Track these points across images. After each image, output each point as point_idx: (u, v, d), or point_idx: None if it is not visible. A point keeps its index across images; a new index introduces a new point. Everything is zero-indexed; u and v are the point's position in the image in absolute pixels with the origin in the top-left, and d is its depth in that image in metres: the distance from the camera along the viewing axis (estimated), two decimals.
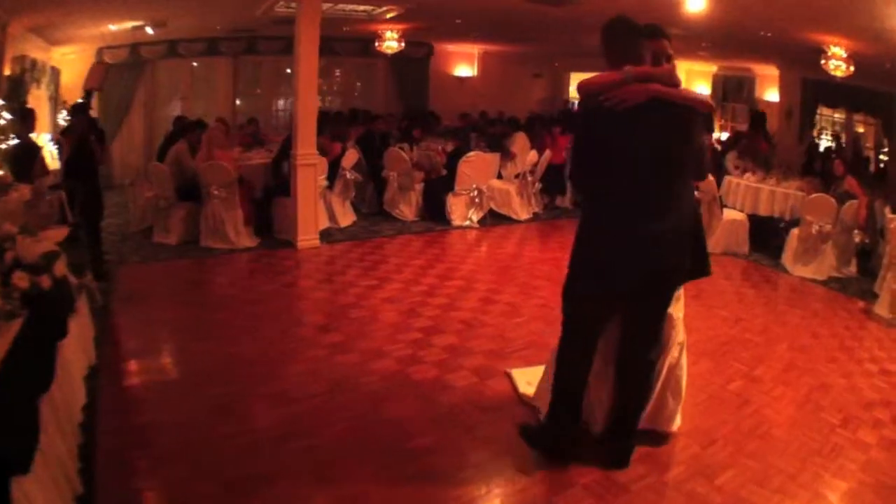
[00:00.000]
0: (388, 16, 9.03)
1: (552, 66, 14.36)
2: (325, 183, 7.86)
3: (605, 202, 2.91)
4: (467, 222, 8.40)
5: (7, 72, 6.33)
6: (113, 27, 8.05)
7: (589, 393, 3.18)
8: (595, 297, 2.97)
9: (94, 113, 9.35)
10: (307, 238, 7.21)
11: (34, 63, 7.58)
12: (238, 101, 12.10)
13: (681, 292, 3.20)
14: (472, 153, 8.24)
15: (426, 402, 3.74)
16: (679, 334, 3.20)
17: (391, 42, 10.32)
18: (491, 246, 7.81)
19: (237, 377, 4.04)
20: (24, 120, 5.59)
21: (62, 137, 5.28)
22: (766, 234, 7.31)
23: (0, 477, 1.95)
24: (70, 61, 8.51)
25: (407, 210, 8.84)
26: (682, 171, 2.89)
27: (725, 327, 4.99)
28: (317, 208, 7.33)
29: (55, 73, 9.02)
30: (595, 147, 2.88)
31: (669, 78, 2.82)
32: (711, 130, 10.20)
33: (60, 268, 2.94)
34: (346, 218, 8.54)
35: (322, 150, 7.74)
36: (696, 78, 12.00)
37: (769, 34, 7.31)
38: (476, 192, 8.40)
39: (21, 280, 2.69)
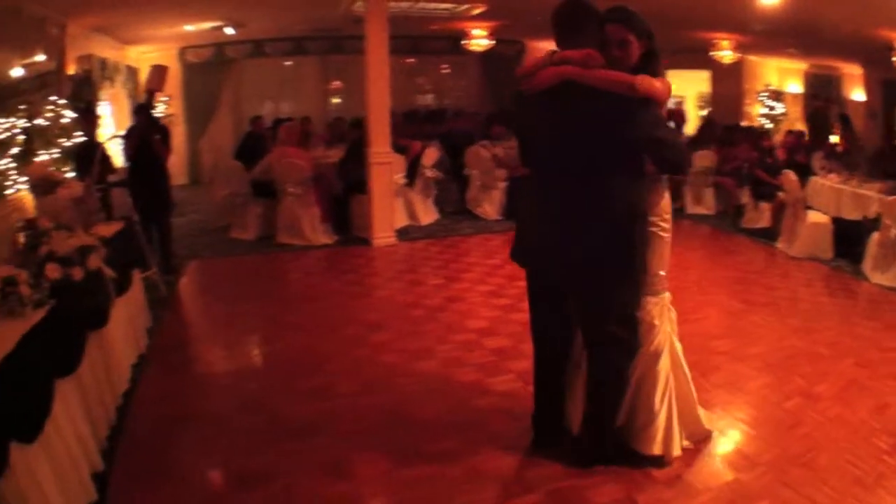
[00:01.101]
0: (474, 12, 9.13)
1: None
2: (403, 181, 8.04)
3: (530, 186, 2.95)
4: None
5: (71, 71, 6.91)
6: (190, 27, 8.62)
7: (572, 394, 3.19)
8: (526, 271, 3.11)
9: (170, 111, 10.13)
10: (382, 236, 7.43)
11: (104, 62, 8.25)
12: (337, 100, 12.57)
13: (666, 301, 3.07)
14: None
15: (458, 405, 3.76)
16: (656, 344, 3.02)
17: (480, 39, 10.44)
18: None
19: (277, 373, 4.26)
20: (86, 119, 6.12)
21: (123, 138, 5.70)
22: (850, 239, 6.82)
23: (3, 438, 2.18)
24: (150, 60, 9.19)
25: (490, 209, 8.90)
26: (603, 164, 2.70)
27: (794, 338, 4.70)
28: (393, 206, 7.53)
29: (132, 71, 9.80)
30: (518, 133, 2.98)
31: (586, 60, 2.61)
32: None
33: (95, 261, 3.22)
34: (428, 216, 8.71)
35: (401, 149, 7.94)
36: (788, 75, 11.62)
37: (844, 30, 7.12)
38: None
39: (53, 271, 2.99)
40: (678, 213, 9.02)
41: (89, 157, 4.97)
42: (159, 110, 10.32)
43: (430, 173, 8.55)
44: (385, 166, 7.29)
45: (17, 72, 5.16)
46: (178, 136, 11.19)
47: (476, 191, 8.93)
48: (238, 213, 7.97)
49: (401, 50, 12.24)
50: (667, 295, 3.07)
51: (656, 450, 3.00)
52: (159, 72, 6.52)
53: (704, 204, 9.13)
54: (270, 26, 9.89)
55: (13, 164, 4.62)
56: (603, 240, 2.75)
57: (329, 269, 6.85)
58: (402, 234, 7.81)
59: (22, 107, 4.95)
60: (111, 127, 8.44)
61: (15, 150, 4.71)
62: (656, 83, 2.65)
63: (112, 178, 5.66)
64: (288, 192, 7.42)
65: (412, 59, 13.30)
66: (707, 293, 5.78)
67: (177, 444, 3.39)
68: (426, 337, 4.80)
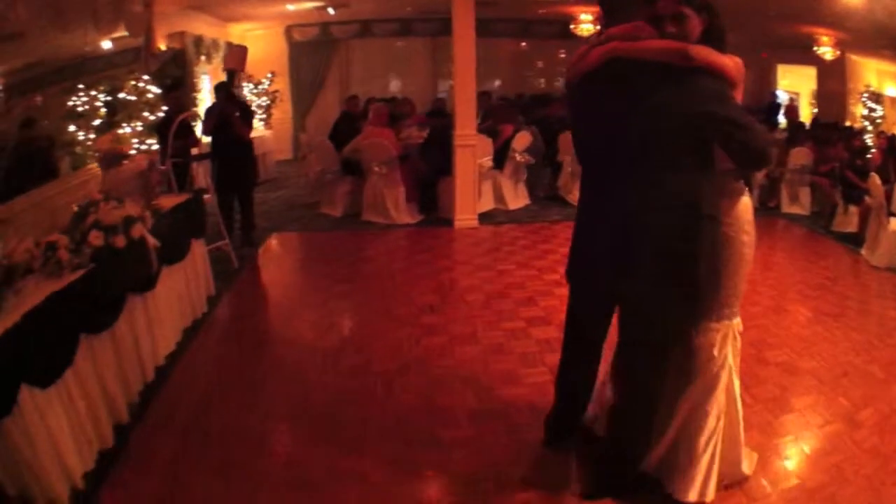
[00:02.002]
0: None
1: (759, 56, 13.23)
2: (489, 164, 8.06)
3: (581, 185, 2.79)
4: None
5: (163, 47, 7.42)
6: (291, 7, 9.02)
7: (604, 392, 3.07)
8: (571, 279, 2.93)
9: (274, 88, 10.64)
10: (464, 218, 7.53)
11: (199, 39, 8.81)
12: (450, 81, 12.76)
13: (734, 329, 2.70)
14: None
15: (485, 394, 3.79)
16: (711, 377, 2.68)
17: (586, 24, 10.28)
18: None
19: (323, 347, 4.48)
20: (169, 94, 6.60)
21: (202, 115, 6.10)
22: None
23: (13, 381, 2.51)
24: (255, 37, 9.70)
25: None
26: (657, 153, 2.36)
27: (851, 354, 4.30)
28: (476, 189, 7.58)
29: None
30: (571, 127, 2.76)
31: (633, 32, 2.36)
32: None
33: (138, 230, 3.54)
34: (518, 201, 8.71)
35: (493, 132, 7.97)
36: (887, 77, 10.69)
37: None
38: None
39: (96, 238, 3.34)
40: (772, 211, 8.58)
41: (168, 130, 5.40)
42: (261, 87, 10.95)
43: (519, 158, 8.50)
44: (469, 149, 7.34)
45: (100, 47, 5.65)
46: (284, 113, 11.85)
47: (567, 177, 8.80)
48: (327, 189, 8.35)
49: (512, 33, 12.24)
50: (736, 322, 2.70)
51: (692, 496, 2.69)
52: (238, 52, 6.93)
53: (800, 203, 8.65)
54: (374, 8, 10.16)
55: (94, 137, 5.12)
56: (656, 244, 2.43)
57: (403, 248, 7.03)
58: (487, 217, 7.86)
59: (104, 81, 5.43)
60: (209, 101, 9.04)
61: (97, 122, 5.20)
62: (723, 57, 2.31)
63: (195, 152, 6.09)
64: (374, 170, 7.66)
65: (524, 43, 13.20)
66: (779, 298, 5.41)
67: (207, 404, 3.69)
68: (475, 322, 4.84)
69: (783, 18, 8.64)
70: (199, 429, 3.41)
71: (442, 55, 12.63)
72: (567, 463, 3.10)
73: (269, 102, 11.23)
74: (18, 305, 2.75)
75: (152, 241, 3.67)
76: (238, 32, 10.64)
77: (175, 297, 4.33)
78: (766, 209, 8.65)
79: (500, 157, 8.39)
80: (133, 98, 5.92)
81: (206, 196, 5.51)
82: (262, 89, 11.10)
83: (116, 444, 3.21)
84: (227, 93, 6.57)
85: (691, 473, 2.70)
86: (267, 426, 3.47)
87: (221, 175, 6.49)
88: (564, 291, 5.22)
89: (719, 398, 2.69)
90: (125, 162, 4.51)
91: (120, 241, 3.43)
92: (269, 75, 11.09)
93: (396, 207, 7.78)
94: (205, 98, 9.26)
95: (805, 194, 8.59)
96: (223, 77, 7.45)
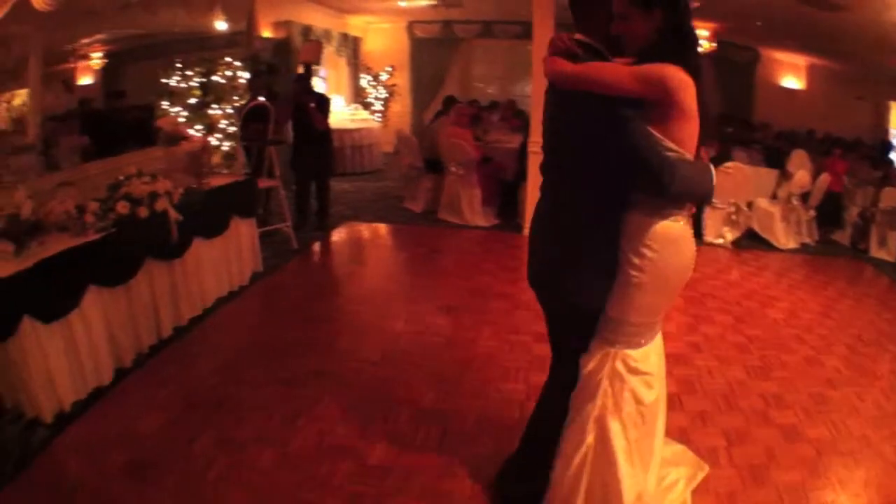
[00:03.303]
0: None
1: (875, 89, 12.09)
2: None
3: None
4: (720, 240, 7.89)
5: (266, 34, 8.20)
6: (403, 3, 9.61)
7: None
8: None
9: (392, 82, 11.36)
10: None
11: (307, 29, 9.63)
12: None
13: (609, 359, 2.54)
14: (729, 164, 7.67)
15: (451, 394, 4.04)
16: (587, 409, 2.55)
17: (701, 40, 10.09)
18: (741, 273, 7.08)
19: (341, 335, 4.91)
20: (257, 81, 7.41)
21: (272, 104, 6.78)
22: None
23: (17, 312, 3.28)
24: (376, 31, 10.33)
25: None
26: (567, 169, 2.48)
27: (870, 428, 3.85)
28: None
29: (350, 40, 11.39)
30: None
31: (550, 45, 2.38)
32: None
33: (162, 204, 4.26)
34: None
35: None
36: None
37: None
38: (734, 209, 7.83)
39: (122, 207, 4.09)
40: (861, 253, 8.03)
41: (258, 116, 6.16)
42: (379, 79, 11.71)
43: None
44: (538, 156, 7.50)
45: (208, 28, 6.46)
46: (402, 107, 12.56)
47: None
48: (412, 185, 8.92)
49: None
50: (630, 353, 2.52)
51: None
52: (313, 46, 7.67)
53: (887, 248, 7.90)
54: (494, 9, 10.52)
55: (186, 115, 6.01)
56: (554, 256, 2.56)
57: (460, 250, 7.41)
58: None
59: (202, 62, 6.31)
60: (322, 86, 9.89)
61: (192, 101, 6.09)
62: (602, 68, 2.23)
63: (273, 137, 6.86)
64: (451, 170, 8.12)
65: None
66: (821, 349, 4.99)
67: (213, 361, 4.36)
68: (485, 329, 5.05)
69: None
70: (195, 379, 4.09)
71: None
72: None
73: (386, 95, 12.01)
74: (37, 254, 3.55)
75: (174, 214, 4.38)
76: (359, 24, 11.51)
77: (209, 268, 5.10)
78: (857, 251, 8.13)
79: None
80: (223, 81, 6.74)
81: (264, 180, 6.26)
82: (381, 81, 11.93)
83: (112, 383, 3.97)
84: (304, 84, 7.26)
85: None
86: (269, 391, 4.00)
87: (299, 163, 7.26)
88: None
89: (583, 429, 2.57)
90: (182, 142, 5.30)
91: (143, 212, 4.19)
92: (389, 69, 11.86)
93: (471, 209, 8.16)
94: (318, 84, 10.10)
95: (894, 239, 7.95)
96: (344, 68, 8.15)
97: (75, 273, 3.69)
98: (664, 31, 2.22)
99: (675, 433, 3.53)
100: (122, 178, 4.27)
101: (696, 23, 2.30)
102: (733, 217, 7.86)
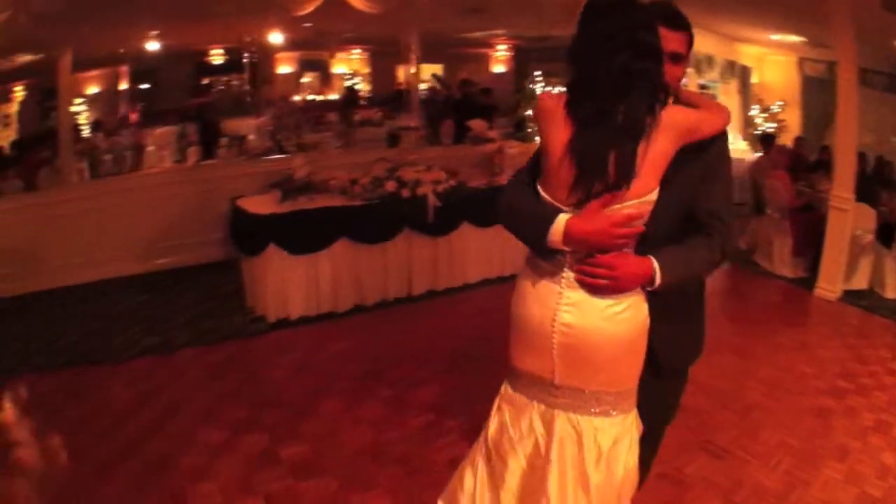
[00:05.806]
0: None
1: None
2: (868, 238, 7.23)
3: None
4: None
5: None
6: (775, 37, 9.27)
7: None
8: None
9: (781, 117, 10.96)
10: (825, 287, 7.09)
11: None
12: None
13: (504, 401, 2.17)
14: None
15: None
16: (480, 447, 2.19)
17: None
18: None
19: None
20: None
21: None
22: None
23: (264, 242, 4.92)
24: (770, 62, 10.01)
25: None
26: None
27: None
28: (843, 260, 7.07)
29: (737, 68, 11.58)
30: None
31: None
32: None
33: (423, 189, 5.51)
34: None
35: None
36: None
37: None
38: None
39: (391, 186, 5.47)
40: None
41: None
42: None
43: None
44: (843, 214, 6.82)
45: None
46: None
47: None
48: (744, 219, 8.77)
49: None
50: (538, 408, 2.01)
51: None
52: None
53: None
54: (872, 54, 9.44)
55: None
56: None
57: (735, 295, 7.15)
58: (855, 296, 6.90)
59: None
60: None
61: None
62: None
63: None
64: (767, 212, 7.89)
65: None
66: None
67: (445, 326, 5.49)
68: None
69: None
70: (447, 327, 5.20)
71: None
72: None
73: (774, 128, 11.57)
74: (299, 205, 5.12)
75: (433, 199, 5.54)
76: (752, 53, 11.32)
77: (475, 251, 6.10)
78: None
79: (889, 231, 7.25)
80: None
81: None
82: (772, 114, 11.58)
83: (344, 314, 5.37)
84: None
85: None
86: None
87: None
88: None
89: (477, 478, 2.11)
90: (486, 144, 6.49)
91: (405, 192, 5.48)
92: (779, 103, 11.42)
93: (780, 257, 7.73)
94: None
95: None
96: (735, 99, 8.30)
97: (330, 226, 5.15)
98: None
99: None
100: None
101: None
102: None
